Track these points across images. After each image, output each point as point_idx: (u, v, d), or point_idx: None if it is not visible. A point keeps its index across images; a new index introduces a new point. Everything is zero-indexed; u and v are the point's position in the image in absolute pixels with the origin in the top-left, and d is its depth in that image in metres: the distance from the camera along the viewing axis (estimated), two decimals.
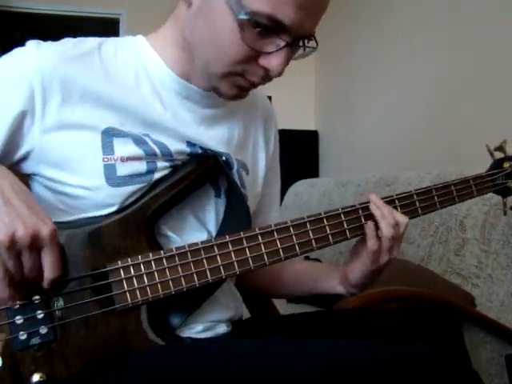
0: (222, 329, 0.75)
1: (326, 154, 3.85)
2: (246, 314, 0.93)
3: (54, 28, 3.85)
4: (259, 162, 0.85)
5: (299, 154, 3.78)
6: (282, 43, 0.61)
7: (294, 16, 0.59)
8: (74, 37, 0.72)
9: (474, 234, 1.32)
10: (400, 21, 2.76)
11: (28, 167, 0.67)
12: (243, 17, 0.59)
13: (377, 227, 0.73)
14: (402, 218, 0.74)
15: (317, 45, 0.66)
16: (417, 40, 2.58)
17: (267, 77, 0.66)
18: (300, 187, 2.57)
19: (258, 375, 0.53)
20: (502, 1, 1.95)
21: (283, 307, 1.16)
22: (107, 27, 3.78)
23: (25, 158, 0.66)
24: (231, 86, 0.67)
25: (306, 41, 0.65)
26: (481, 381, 0.59)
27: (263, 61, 0.63)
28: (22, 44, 0.68)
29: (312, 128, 4.04)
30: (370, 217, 0.73)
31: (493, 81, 2.00)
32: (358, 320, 0.77)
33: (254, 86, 0.68)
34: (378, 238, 0.72)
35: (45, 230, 0.54)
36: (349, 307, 0.94)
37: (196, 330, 0.71)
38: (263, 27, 0.60)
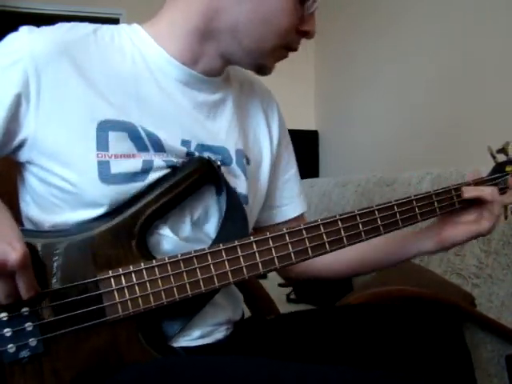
0: (221, 334, 0.73)
1: (326, 154, 3.85)
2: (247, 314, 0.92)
3: None
4: (262, 151, 0.83)
5: (299, 154, 3.70)
6: (315, 6, 0.71)
7: None
8: None
9: None
10: (400, 21, 2.76)
11: (23, 155, 0.65)
12: None
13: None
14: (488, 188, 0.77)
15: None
16: (417, 39, 2.58)
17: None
18: None
19: None
20: None
21: (283, 307, 1.16)
22: None
23: (20, 146, 0.65)
24: (274, 61, 0.75)
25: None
26: None
27: (305, 26, 0.72)
28: None
29: (312, 128, 4.04)
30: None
31: (493, 80, 2.00)
32: (358, 317, 0.75)
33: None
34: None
35: (13, 257, 0.51)
36: None
37: (192, 336, 0.68)
38: None
